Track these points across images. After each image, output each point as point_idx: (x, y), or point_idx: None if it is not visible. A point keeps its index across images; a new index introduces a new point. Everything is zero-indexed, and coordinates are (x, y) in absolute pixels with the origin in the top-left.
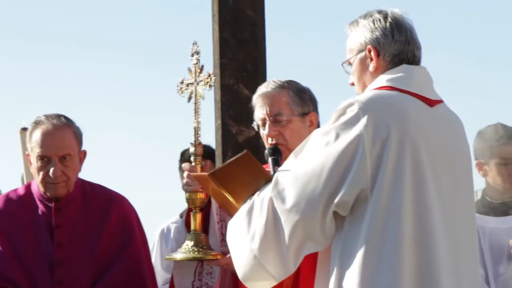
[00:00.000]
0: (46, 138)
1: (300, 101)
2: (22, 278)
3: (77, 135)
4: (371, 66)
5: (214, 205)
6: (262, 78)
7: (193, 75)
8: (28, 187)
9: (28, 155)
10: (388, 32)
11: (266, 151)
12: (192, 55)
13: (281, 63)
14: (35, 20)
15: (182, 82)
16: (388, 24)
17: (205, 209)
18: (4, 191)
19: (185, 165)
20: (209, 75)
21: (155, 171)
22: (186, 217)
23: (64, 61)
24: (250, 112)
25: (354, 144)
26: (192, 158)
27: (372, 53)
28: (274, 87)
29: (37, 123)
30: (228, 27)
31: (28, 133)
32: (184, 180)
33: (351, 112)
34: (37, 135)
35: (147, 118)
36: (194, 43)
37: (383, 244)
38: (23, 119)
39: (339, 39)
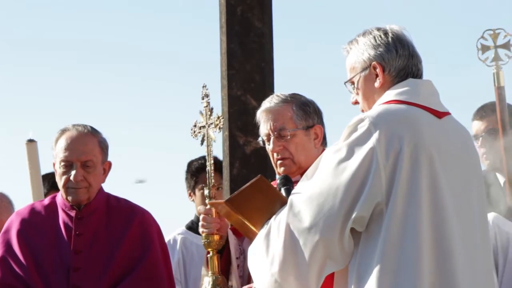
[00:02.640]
0: (70, 144)
1: (304, 115)
2: (37, 281)
3: (102, 144)
4: (377, 82)
5: (232, 244)
6: (269, 89)
7: (204, 117)
8: (53, 198)
9: (54, 163)
10: (391, 47)
11: (278, 181)
12: (203, 98)
13: (289, 74)
14: (42, 31)
15: (195, 125)
16: (390, 39)
17: (225, 249)
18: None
19: (201, 208)
20: (218, 118)
21: (161, 182)
22: (205, 259)
23: (73, 74)
24: (257, 123)
25: (368, 159)
26: (206, 201)
27: (378, 69)
28: (277, 101)
29: (63, 131)
30: (236, 38)
31: (54, 140)
32: (200, 223)
33: (362, 127)
34: (61, 141)
35: (151, 128)
36: (204, 86)
37: (400, 257)
38: (30, 131)
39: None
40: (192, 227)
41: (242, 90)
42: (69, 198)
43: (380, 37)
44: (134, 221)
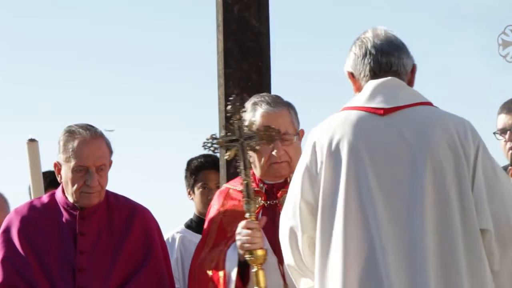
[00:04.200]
0: (85, 148)
1: (297, 119)
2: (43, 282)
3: (109, 146)
4: (353, 89)
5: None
6: (266, 88)
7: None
8: (52, 195)
9: (57, 164)
10: (352, 52)
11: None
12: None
13: (286, 73)
14: (42, 31)
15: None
16: (356, 45)
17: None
18: (11, 202)
19: (242, 223)
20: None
21: (160, 181)
22: (238, 272)
23: (73, 73)
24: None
25: (300, 167)
26: (247, 215)
27: (350, 77)
28: (280, 105)
29: (71, 133)
30: (233, 37)
31: (61, 142)
32: (244, 238)
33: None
34: (73, 145)
35: (149, 127)
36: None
37: (328, 255)
38: (30, 131)
39: (343, 50)
40: (191, 225)
41: (239, 89)
42: (81, 202)
43: (352, 45)
44: (136, 220)
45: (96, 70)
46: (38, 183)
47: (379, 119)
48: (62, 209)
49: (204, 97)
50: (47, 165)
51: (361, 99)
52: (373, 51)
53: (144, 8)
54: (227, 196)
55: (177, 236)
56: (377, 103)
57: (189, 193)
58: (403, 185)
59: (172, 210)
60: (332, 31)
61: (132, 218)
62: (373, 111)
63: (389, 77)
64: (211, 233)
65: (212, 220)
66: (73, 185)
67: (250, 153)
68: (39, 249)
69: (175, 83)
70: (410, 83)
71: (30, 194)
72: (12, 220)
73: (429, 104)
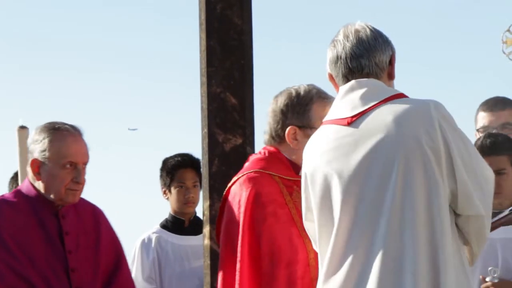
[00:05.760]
0: (74, 145)
1: None
2: (40, 283)
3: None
4: (335, 90)
5: None
6: (249, 86)
7: None
8: (18, 193)
9: (36, 161)
10: (328, 56)
11: None
12: None
13: (269, 71)
14: (30, 24)
15: None
16: (329, 48)
17: None
18: None
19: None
20: None
21: (134, 181)
22: None
23: (62, 64)
24: (236, 120)
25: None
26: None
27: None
28: None
29: (57, 129)
30: (215, 35)
31: (45, 139)
32: None
33: None
34: (62, 142)
35: (129, 124)
36: None
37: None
38: (20, 118)
39: (325, 48)
40: (167, 225)
41: (222, 87)
42: (67, 199)
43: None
44: (101, 220)
45: (79, 68)
46: (26, 172)
47: (343, 131)
48: (38, 208)
49: (186, 96)
50: None
51: (333, 110)
52: (342, 56)
53: (127, 8)
54: None
55: (153, 237)
56: (343, 113)
57: (164, 193)
58: (373, 193)
59: (146, 210)
60: (315, 29)
61: (97, 218)
62: (340, 122)
63: (353, 81)
64: None
65: None
66: (61, 182)
67: None
68: (28, 249)
69: (158, 82)
70: (390, 75)
71: (12, 183)
72: None
73: (394, 97)
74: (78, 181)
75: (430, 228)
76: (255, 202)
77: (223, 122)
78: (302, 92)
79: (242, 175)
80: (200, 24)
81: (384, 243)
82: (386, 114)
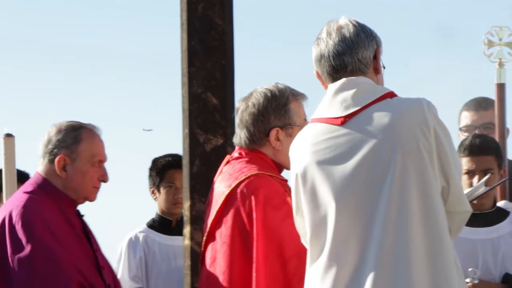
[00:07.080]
0: (102, 144)
1: None
2: (82, 280)
3: None
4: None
5: None
6: (230, 87)
7: None
8: (39, 190)
9: (65, 158)
10: (313, 54)
11: None
12: None
13: (250, 71)
14: (16, 28)
15: None
16: (314, 46)
17: None
18: None
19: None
20: None
21: (122, 180)
22: None
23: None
24: (217, 121)
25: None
26: None
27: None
28: None
29: (82, 127)
30: (197, 36)
31: (79, 136)
32: None
33: None
34: (93, 139)
35: (111, 126)
36: None
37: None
38: (5, 126)
39: (307, 48)
40: (154, 225)
41: (203, 88)
42: (91, 197)
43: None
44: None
45: (62, 70)
46: (12, 180)
47: (339, 130)
48: (62, 205)
49: (167, 96)
50: (22, 162)
51: (322, 108)
52: (325, 54)
53: (108, 9)
54: None
55: (140, 236)
56: (335, 112)
57: (152, 192)
58: (370, 193)
59: (132, 210)
60: (296, 29)
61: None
62: (332, 121)
63: (344, 80)
64: None
65: None
66: (90, 179)
67: None
68: (66, 248)
69: (139, 82)
70: (376, 70)
71: None
72: (31, 215)
73: (386, 96)
74: (105, 179)
75: (428, 228)
76: (269, 205)
77: (204, 123)
78: (277, 93)
79: (246, 178)
80: (182, 25)
81: (380, 240)
82: (381, 114)
